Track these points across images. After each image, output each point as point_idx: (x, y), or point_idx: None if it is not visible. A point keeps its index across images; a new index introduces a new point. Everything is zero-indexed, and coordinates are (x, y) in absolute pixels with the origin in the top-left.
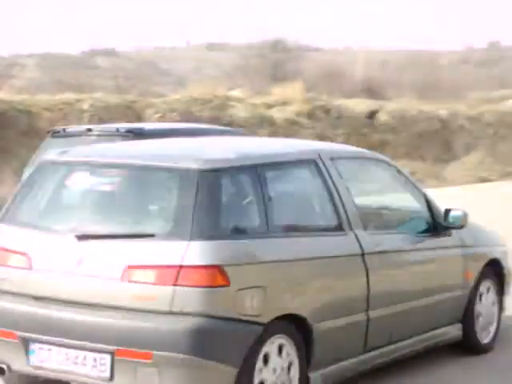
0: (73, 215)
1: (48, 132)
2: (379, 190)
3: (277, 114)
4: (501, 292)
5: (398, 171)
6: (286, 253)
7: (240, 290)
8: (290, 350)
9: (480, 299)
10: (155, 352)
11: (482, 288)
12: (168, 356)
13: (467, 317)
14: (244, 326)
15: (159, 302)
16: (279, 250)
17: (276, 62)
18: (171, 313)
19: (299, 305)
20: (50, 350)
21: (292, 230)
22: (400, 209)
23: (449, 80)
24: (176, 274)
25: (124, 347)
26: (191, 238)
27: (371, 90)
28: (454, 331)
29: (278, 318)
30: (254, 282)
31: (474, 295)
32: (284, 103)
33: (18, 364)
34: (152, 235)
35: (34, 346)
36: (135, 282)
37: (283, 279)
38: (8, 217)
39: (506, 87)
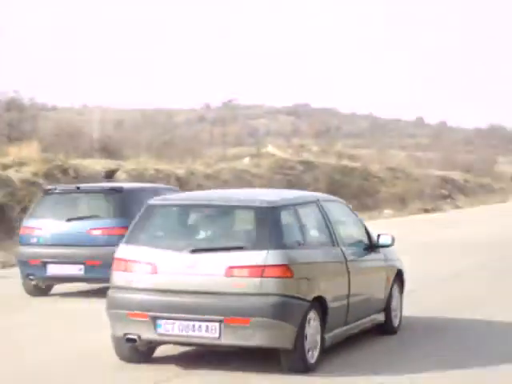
0: (183, 237)
1: (43, 190)
2: (341, 221)
3: (14, 174)
4: (402, 292)
5: (350, 209)
6: (314, 258)
7: (299, 279)
8: (317, 319)
9: (393, 296)
10: (252, 318)
11: (394, 289)
12: (260, 320)
13: (387, 308)
14: (301, 302)
15: (251, 287)
16: (311, 256)
17: (10, 121)
18: (259, 294)
19: (323, 291)
20: (173, 323)
21: (313, 244)
22: (352, 233)
23: (186, 138)
24: (262, 270)
25: (230, 316)
26: (269, 249)
27: (108, 150)
28: (381, 317)
29: (313, 299)
30: (304, 275)
31: (390, 293)
32: (21, 164)
33: (147, 334)
34: (242, 247)
35: (160, 322)
36: (235, 276)
37: (315, 274)
38: (130, 240)
39: (241, 145)
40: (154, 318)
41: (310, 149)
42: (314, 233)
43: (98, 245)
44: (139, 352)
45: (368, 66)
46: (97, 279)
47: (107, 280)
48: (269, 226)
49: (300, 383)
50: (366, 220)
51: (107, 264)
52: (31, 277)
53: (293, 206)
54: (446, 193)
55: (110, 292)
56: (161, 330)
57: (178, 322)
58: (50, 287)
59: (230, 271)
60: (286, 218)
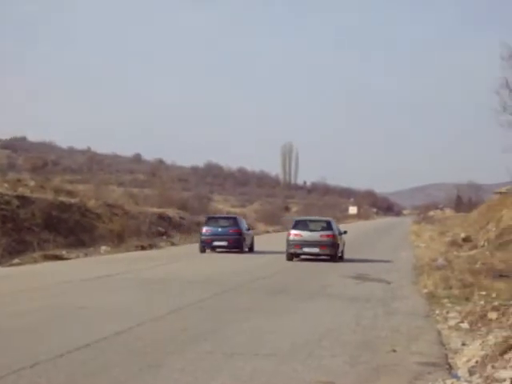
0: (307, 227)
1: (207, 217)
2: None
3: None
4: (343, 247)
5: (334, 223)
6: (337, 233)
7: (336, 238)
8: (338, 248)
9: (343, 248)
10: (327, 247)
11: (343, 246)
12: (329, 247)
13: (342, 251)
14: (336, 243)
15: (326, 239)
16: (336, 233)
17: None
18: (328, 241)
19: (338, 241)
20: (307, 247)
21: (336, 230)
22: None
23: None
24: (328, 235)
25: (322, 246)
26: (329, 231)
27: None
28: (340, 254)
29: (338, 244)
30: (337, 237)
31: (343, 244)
32: None
33: (299, 252)
34: (323, 229)
35: (306, 248)
36: (323, 237)
37: (338, 238)
38: (293, 228)
39: None
40: (302, 247)
41: (27, 184)
42: (336, 227)
43: (231, 235)
44: (292, 257)
45: (85, 102)
46: (232, 247)
47: (233, 248)
48: (329, 225)
49: (340, 264)
50: (83, 257)
51: (234, 242)
52: (205, 246)
53: (332, 220)
54: (163, 230)
55: (287, 241)
56: (305, 250)
57: (308, 248)
58: (205, 250)
59: (322, 236)
60: (332, 223)
